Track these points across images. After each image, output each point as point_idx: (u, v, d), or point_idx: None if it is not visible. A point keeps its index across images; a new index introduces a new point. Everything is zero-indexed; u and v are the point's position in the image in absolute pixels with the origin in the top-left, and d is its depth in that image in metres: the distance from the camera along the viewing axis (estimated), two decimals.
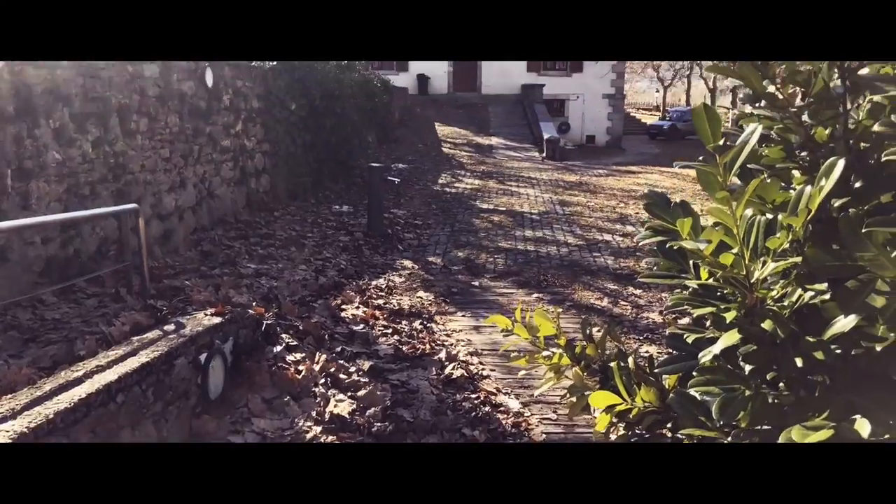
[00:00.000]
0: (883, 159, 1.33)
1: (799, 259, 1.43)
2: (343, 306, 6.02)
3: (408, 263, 8.06)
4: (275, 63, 10.97)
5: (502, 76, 28.21)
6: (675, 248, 1.54)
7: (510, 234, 9.86)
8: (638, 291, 7.05)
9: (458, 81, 29.02)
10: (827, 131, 1.67)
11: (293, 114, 11.20)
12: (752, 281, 1.46)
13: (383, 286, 6.95)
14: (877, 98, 1.56)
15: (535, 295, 6.91)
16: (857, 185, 1.53)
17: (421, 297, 6.70)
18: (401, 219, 10.51)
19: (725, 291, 1.56)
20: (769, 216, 1.56)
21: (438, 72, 28.66)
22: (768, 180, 1.68)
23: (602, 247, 9.09)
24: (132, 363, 3.54)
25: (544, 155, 20.10)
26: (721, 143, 1.45)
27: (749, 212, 1.53)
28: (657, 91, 56.54)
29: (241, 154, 9.43)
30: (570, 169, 17.98)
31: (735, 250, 1.44)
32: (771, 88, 1.69)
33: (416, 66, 28.20)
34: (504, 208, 11.86)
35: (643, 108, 55.94)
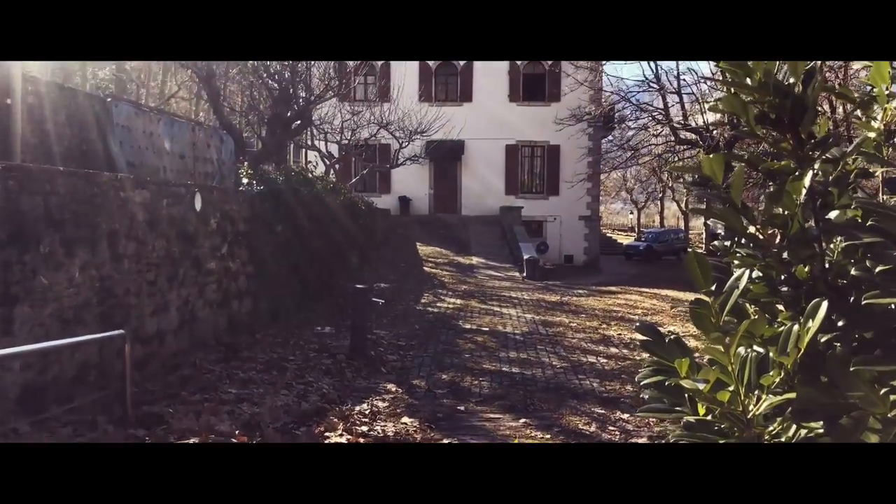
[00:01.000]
0: (863, 302, 1.41)
1: (793, 395, 1.47)
2: (326, 433, 5.87)
3: (391, 387, 7.95)
4: (262, 187, 11.29)
5: (481, 198, 29.09)
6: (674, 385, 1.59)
7: (494, 355, 9.84)
8: (626, 416, 6.98)
9: (438, 203, 29.83)
10: (806, 269, 1.77)
11: (278, 236, 11.40)
12: (748, 417, 1.50)
13: (367, 411, 6.82)
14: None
15: (523, 420, 6.81)
16: (841, 323, 1.60)
17: (405, 423, 6.57)
18: (384, 340, 10.46)
19: (723, 426, 1.60)
20: (759, 349, 1.62)
21: (419, 194, 29.51)
22: (755, 316, 1.76)
23: (587, 369, 9.08)
24: None
25: (524, 275, 20.40)
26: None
27: (742, 349, 1.60)
28: (631, 213, 58.46)
29: (226, 276, 9.49)
30: (550, 289, 18.21)
31: (731, 387, 1.49)
32: (751, 229, 1.81)
33: (398, 189, 29.05)
34: (487, 329, 11.89)
35: (618, 229, 57.56)
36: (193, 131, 16.16)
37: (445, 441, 5.14)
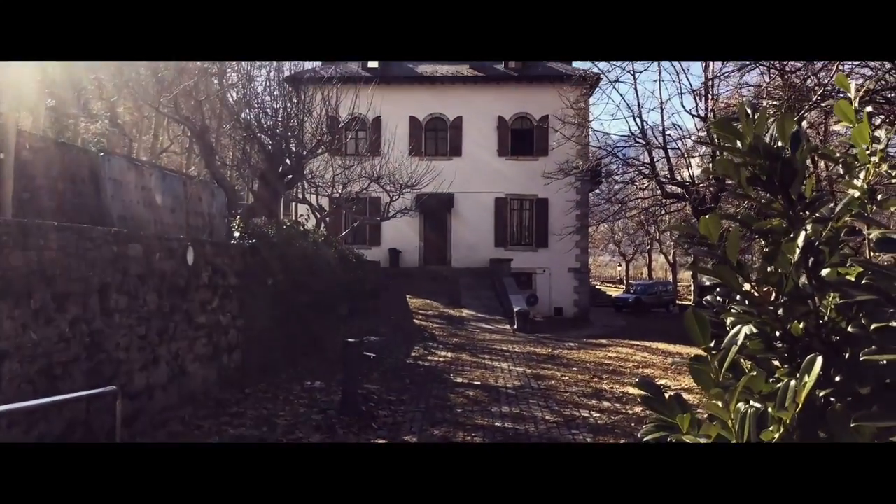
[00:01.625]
0: (861, 359, 1.45)
1: None
2: None
3: (383, 444, 7.84)
4: (253, 241, 11.32)
5: (471, 251, 29.19)
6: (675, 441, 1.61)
7: (486, 410, 9.74)
8: None
9: (428, 255, 29.90)
10: (801, 326, 1.81)
11: (269, 289, 11.37)
12: None
13: None
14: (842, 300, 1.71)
15: None
16: (838, 378, 1.64)
17: None
18: (374, 394, 10.35)
19: None
20: (756, 405, 1.65)
21: (409, 246, 29.60)
22: (752, 371, 1.80)
23: (580, 423, 9.00)
24: None
25: (515, 327, 20.36)
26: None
27: (741, 405, 1.63)
28: (619, 265, 58.80)
29: (216, 330, 9.42)
30: (541, 341, 18.16)
31: (732, 443, 1.52)
32: (747, 286, 1.85)
33: (389, 241, 29.13)
34: (479, 382, 11.80)
35: (607, 281, 57.76)
36: (185, 185, 16.27)
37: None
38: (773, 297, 1.87)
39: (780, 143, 1.86)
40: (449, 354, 14.84)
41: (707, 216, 1.84)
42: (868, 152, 1.77)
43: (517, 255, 29.03)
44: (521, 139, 29.99)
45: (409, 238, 29.47)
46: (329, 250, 15.53)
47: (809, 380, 1.49)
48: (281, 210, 18.85)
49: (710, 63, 20.08)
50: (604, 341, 19.43)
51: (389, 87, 27.97)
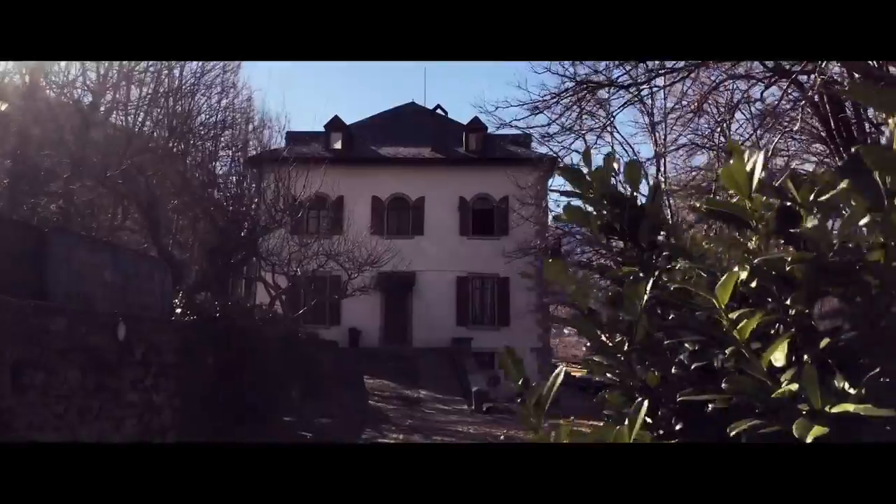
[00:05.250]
0: (678, 399, 1.38)
1: None
2: None
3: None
4: (195, 317, 11.04)
5: (432, 330, 28.84)
6: None
7: None
8: None
9: (389, 334, 29.49)
10: (658, 375, 1.74)
11: (211, 368, 11.01)
12: None
13: None
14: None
15: None
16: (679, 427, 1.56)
17: None
18: None
19: None
20: None
21: (370, 325, 29.16)
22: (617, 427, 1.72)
23: None
24: None
25: (472, 408, 19.96)
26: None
27: None
28: (585, 346, 58.71)
29: (148, 410, 9.01)
30: (498, 422, 17.78)
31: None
32: (604, 337, 1.79)
33: (348, 320, 28.69)
34: None
35: (572, 362, 57.46)
36: (136, 262, 15.98)
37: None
38: (626, 347, 1.80)
39: (630, 191, 1.85)
40: (400, 437, 14.42)
41: (551, 260, 1.79)
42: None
43: (479, 335, 28.75)
44: (483, 219, 30.32)
45: (369, 317, 29.10)
46: (277, 328, 15.21)
47: (636, 424, 1.41)
48: (230, 287, 18.55)
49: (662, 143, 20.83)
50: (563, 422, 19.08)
51: (352, 167, 28.36)
